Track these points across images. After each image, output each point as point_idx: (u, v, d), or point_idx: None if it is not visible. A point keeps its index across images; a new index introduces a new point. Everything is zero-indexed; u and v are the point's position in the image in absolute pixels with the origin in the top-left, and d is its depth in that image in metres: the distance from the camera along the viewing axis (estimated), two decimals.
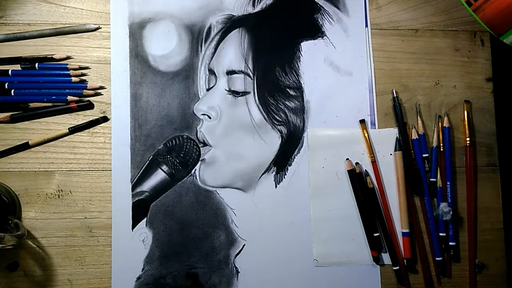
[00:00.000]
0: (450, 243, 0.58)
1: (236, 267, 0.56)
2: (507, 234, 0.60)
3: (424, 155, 0.59)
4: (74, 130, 0.56)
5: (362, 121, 0.59)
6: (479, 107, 0.61)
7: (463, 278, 0.59)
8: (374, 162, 0.58)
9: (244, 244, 0.56)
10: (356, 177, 0.57)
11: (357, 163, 0.58)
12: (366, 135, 0.59)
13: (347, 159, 0.58)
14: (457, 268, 0.59)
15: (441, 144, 0.59)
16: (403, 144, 0.59)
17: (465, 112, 0.60)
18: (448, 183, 0.58)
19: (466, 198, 0.59)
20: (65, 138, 0.56)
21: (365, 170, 0.58)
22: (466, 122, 0.59)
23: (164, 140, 0.57)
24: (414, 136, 0.59)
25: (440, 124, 0.60)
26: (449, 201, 0.58)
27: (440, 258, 0.58)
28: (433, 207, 0.59)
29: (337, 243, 0.57)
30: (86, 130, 0.56)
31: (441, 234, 0.58)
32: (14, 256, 0.54)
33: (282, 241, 0.57)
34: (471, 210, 0.59)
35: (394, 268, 0.57)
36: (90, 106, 0.57)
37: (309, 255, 0.57)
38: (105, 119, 0.57)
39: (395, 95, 0.60)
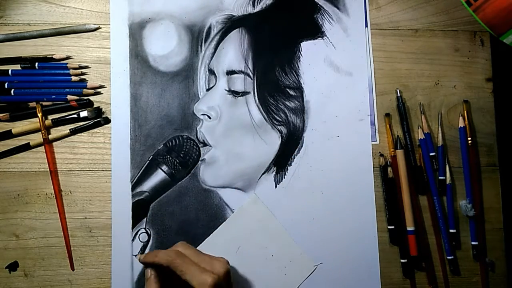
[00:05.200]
0: (473, 243, 0.59)
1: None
2: (507, 234, 0.60)
3: (430, 154, 0.59)
4: (75, 131, 0.56)
5: (387, 115, 0.59)
6: (479, 107, 0.61)
7: (472, 277, 0.59)
8: (393, 157, 0.59)
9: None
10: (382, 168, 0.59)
11: (381, 155, 0.59)
12: (389, 129, 0.59)
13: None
14: (466, 267, 0.59)
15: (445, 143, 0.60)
16: (408, 143, 0.59)
17: (465, 112, 0.60)
18: (467, 181, 0.59)
19: (472, 197, 0.59)
20: (65, 138, 0.56)
21: (388, 161, 0.59)
22: (466, 122, 0.60)
23: (164, 140, 0.57)
24: (421, 135, 0.59)
25: (443, 122, 0.60)
26: (468, 198, 0.59)
27: (452, 257, 0.58)
28: (441, 205, 0.59)
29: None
30: (85, 130, 0.57)
31: (451, 230, 0.59)
32: (14, 256, 0.54)
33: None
34: (477, 209, 0.59)
35: (402, 260, 0.57)
36: (89, 104, 0.57)
37: (309, 255, 0.57)
38: (106, 120, 0.57)
39: (399, 95, 0.60)
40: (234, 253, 0.56)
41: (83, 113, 0.56)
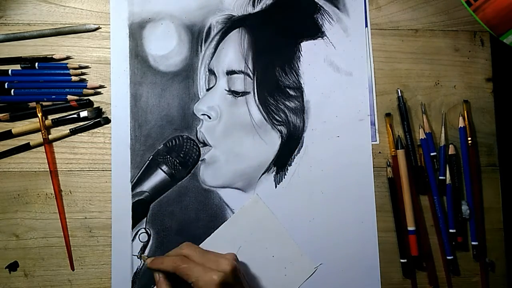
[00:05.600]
0: (473, 243, 0.59)
1: None
2: (507, 234, 0.60)
3: (431, 154, 0.59)
4: (75, 131, 0.56)
5: (388, 115, 0.59)
6: (479, 107, 0.61)
7: (472, 277, 0.59)
8: (394, 157, 0.59)
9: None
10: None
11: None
12: (390, 129, 0.59)
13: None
14: (466, 267, 0.59)
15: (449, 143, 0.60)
16: (409, 143, 0.59)
17: (465, 112, 0.60)
18: (467, 181, 0.59)
19: (472, 197, 0.59)
20: (65, 138, 0.56)
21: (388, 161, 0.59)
22: (466, 122, 0.60)
23: (164, 140, 0.57)
24: (422, 135, 0.59)
25: (447, 122, 0.60)
26: (468, 199, 0.59)
27: (452, 257, 0.58)
28: (442, 205, 0.59)
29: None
30: (86, 130, 0.57)
31: (450, 231, 0.59)
32: (14, 256, 0.54)
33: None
34: (477, 209, 0.59)
35: (402, 260, 0.58)
36: (89, 104, 0.57)
37: (309, 254, 0.57)
38: (106, 120, 0.57)
39: (400, 95, 0.60)
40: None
41: (83, 113, 0.56)
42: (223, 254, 0.50)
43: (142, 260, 0.54)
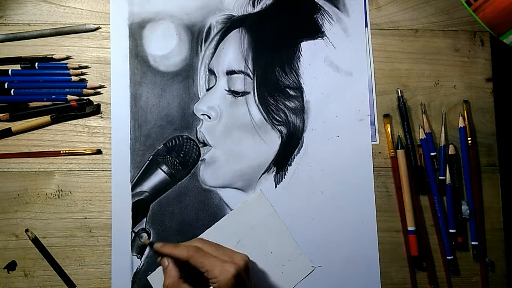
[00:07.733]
0: (473, 243, 0.59)
1: None
2: (507, 234, 0.60)
3: (431, 154, 0.59)
4: (56, 119, 0.55)
5: (387, 116, 0.59)
6: (479, 107, 0.61)
7: (472, 277, 0.59)
8: (393, 158, 0.59)
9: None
10: None
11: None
12: (389, 130, 0.59)
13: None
14: (466, 267, 0.59)
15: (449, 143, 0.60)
16: (409, 143, 0.59)
17: (465, 112, 0.60)
18: (467, 181, 0.59)
19: (472, 197, 0.59)
20: (65, 138, 0.56)
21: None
22: (466, 122, 0.60)
23: (164, 140, 0.57)
24: (422, 135, 0.59)
25: (447, 122, 0.60)
26: (468, 199, 0.59)
27: (452, 257, 0.58)
28: (442, 205, 0.59)
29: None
30: (86, 130, 0.57)
31: (450, 231, 0.59)
32: (14, 256, 0.54)
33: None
34: (477, 209, 0.59)
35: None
36: (89, 104, 0.57)
37: (308, 255, 0.57)
38: (97, 107, 0.56)
39: (399, 95, 0.60)
40: (233, 247, 0.56)
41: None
42: (236, 251, 0.50)
43: (143, 241, 0.53)
